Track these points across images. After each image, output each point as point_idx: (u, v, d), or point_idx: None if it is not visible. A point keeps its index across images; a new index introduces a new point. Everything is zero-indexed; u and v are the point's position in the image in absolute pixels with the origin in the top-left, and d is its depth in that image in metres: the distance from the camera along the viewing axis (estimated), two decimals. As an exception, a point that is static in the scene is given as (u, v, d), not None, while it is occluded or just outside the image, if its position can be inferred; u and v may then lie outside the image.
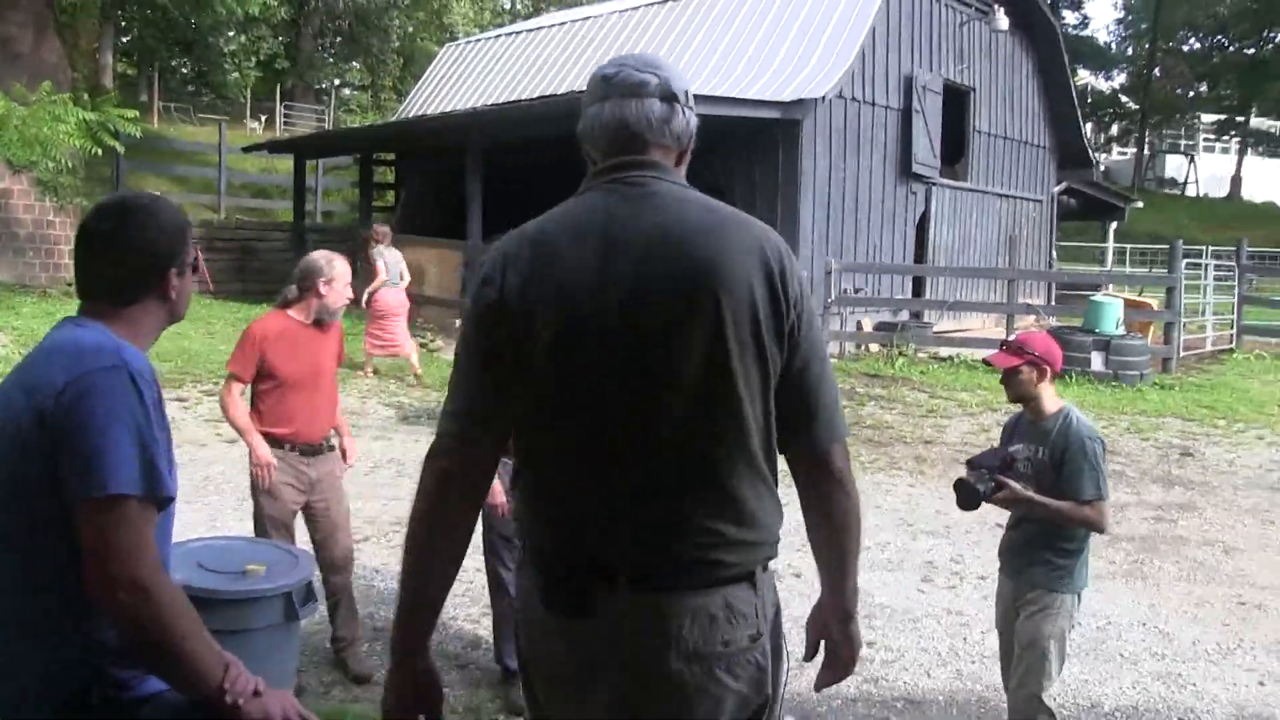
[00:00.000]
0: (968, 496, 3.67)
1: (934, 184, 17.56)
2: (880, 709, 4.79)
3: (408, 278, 12.52)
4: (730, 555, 1.78)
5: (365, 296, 11.90)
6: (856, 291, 15.94)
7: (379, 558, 6.40)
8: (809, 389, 1.84)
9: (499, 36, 22.32)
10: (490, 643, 5.01)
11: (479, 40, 23.49)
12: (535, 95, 16.97)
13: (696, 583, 1.77)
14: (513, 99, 17.47)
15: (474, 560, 5.81)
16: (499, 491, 4.40)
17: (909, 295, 17.22)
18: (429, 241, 16.24)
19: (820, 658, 2.06)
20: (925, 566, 6.68)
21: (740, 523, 1.79)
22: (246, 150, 19.86)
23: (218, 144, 21.08)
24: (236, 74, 34.56)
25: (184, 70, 39.29)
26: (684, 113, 1.93)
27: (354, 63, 40.73)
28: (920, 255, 17.56)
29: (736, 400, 1.76)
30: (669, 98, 1.89)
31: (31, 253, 15.16)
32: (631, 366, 1.75)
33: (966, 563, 6.79)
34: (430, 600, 1.92)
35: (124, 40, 35.39)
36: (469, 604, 5.63)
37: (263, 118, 34.76)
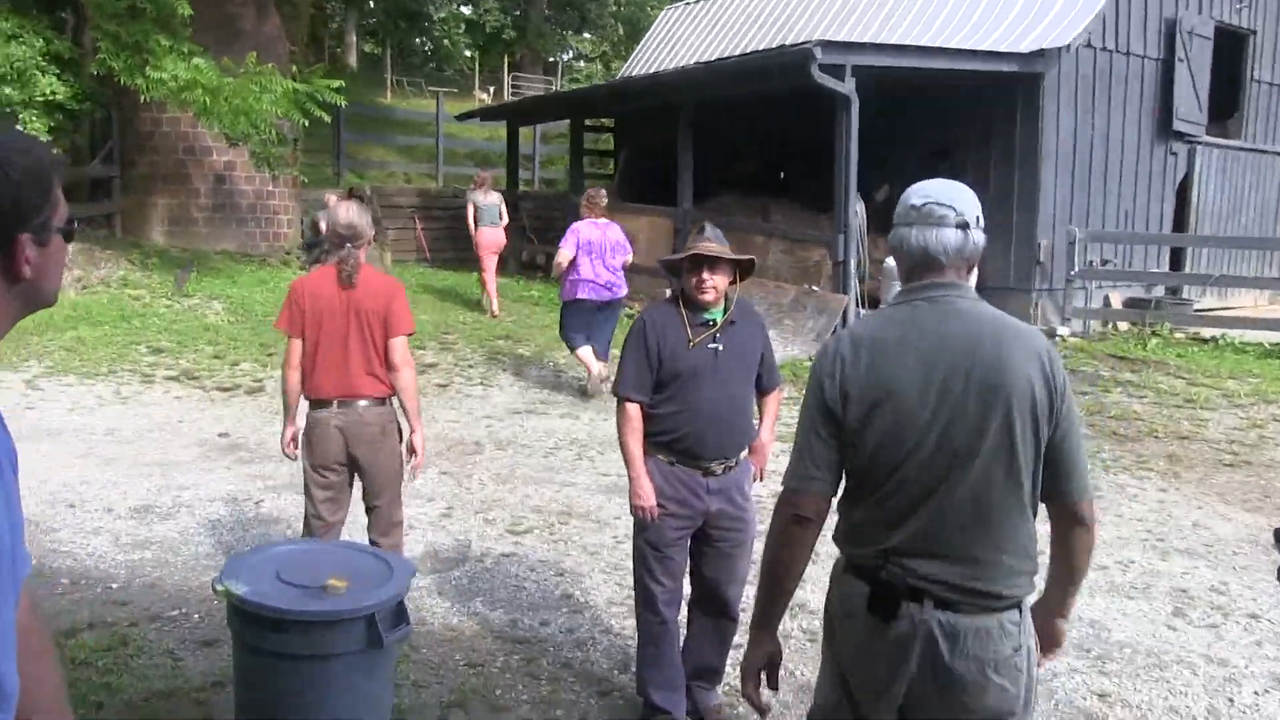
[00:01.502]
0: None
1: (1199, 143, 15.56)
2: (1114, 789, 3.79)
3: (506, 219, 13.84)
4: (1009, 588, 2.29)
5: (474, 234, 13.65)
6: (1104, 263, 14.31)
7: (538, 552, 5.81)
8: (1068, 456, 2.32)
9: (720, -3, 21.47)
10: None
11: (699, 2, 22.74)
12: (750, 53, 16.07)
13: (983, 608, 2.28)
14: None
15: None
16: (649, 495, 3.68)
17: (1166, 268, 15.35)
18: (639, 209, 15.72)
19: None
20: (1177, 595, 5.51)
21: (1019, 557, 2.30)
22: (460, 118, 19.93)
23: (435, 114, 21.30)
24: (447, 40, 35.24)
25: (426, 49, 40.63)
26: (973, 237, 2.36)
27: (584, 34, 40.86)
28: (1180, 223, 15.64)
29: (1019, 468, 2.26)
30: (963, 226, 2.34)
31: (252, 222, 15.60)
32: (943, 443, 2.26)
33: (1232, 593, 5.57)
34: (784, 604, 2.50)
35: (369, 21, 36.88)
36: (625, 615, 4.96)
37: (491, 89, 35.33)
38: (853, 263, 12.00)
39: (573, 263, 9.24)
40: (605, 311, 9.49)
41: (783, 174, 17.82)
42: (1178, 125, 14.94)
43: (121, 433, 7.76)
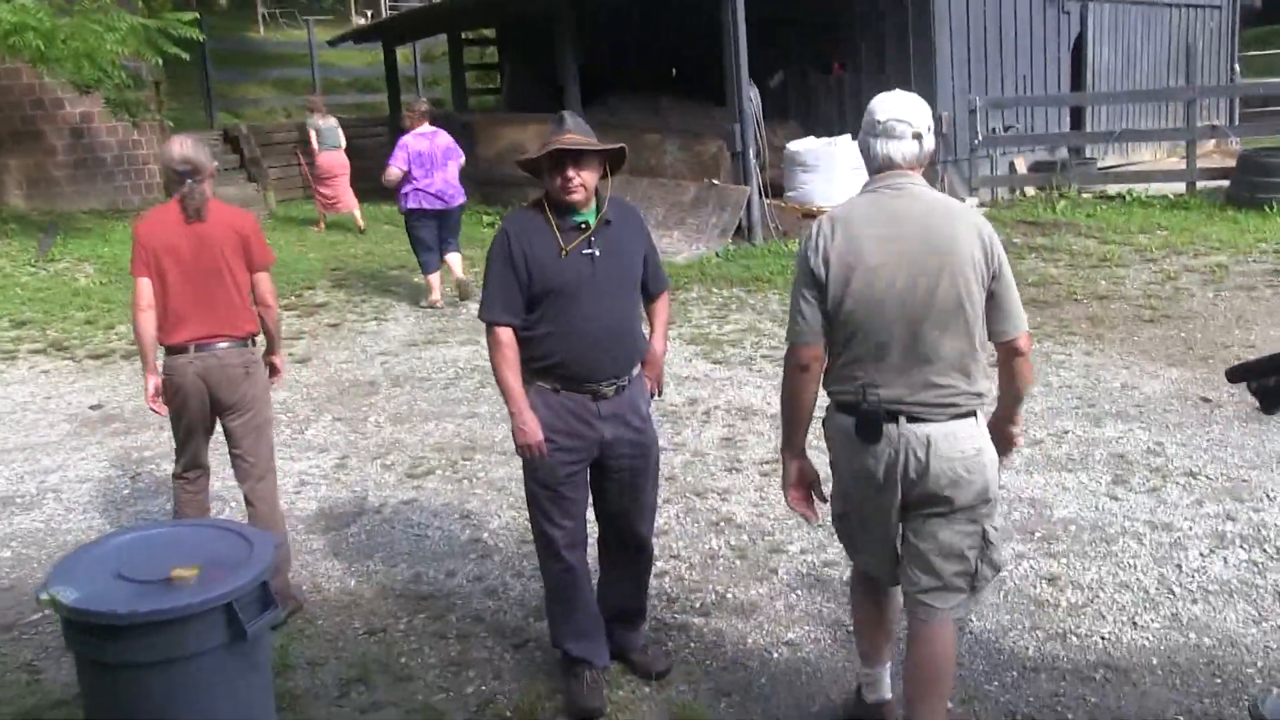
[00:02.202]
0: (1272, 398, 2.97)
1: (1090, 0, 15.26)
2: (1072, 682, 3.51)
3: (343, 142, 13.86)
4: (963, 401, 2.87)
5: (309, 163, 14.22)
6: (1006, 129, 14.04)
7: (441, 495, 5.38)
8: (1004, 302, 2.90)
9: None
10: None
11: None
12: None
13: (945, 417, 2.85)
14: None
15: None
16: (534, 430, 3.24)
17: (1067, 129, 15.16)
18: (524, 118, 15.07)
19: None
20: (1115, 462, 5.29)
21: (969, 380, 2.87)
22: (331, 44, 18.86)
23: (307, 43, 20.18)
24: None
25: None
26: (925, 143, 2.92)
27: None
28: (1077, 83, 15.41)
29: (966, 312, 2.84)
30: (918, 136, 2.90)
31: (121, 175, 14.53)
32: (906, 296, 2.82)
33: (1169, 453, 5.37)
34: (804, 429, 3.06)
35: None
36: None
37: (369, 13, 33.77)
38: (751, 152, 11.55)
39: (407, 175, 9.21)
40: (445, 219, 9.49)
41: (674, 70, 17.20)
42: (1068, -17, 14.62)
43: (-21, 417, 7.10)
